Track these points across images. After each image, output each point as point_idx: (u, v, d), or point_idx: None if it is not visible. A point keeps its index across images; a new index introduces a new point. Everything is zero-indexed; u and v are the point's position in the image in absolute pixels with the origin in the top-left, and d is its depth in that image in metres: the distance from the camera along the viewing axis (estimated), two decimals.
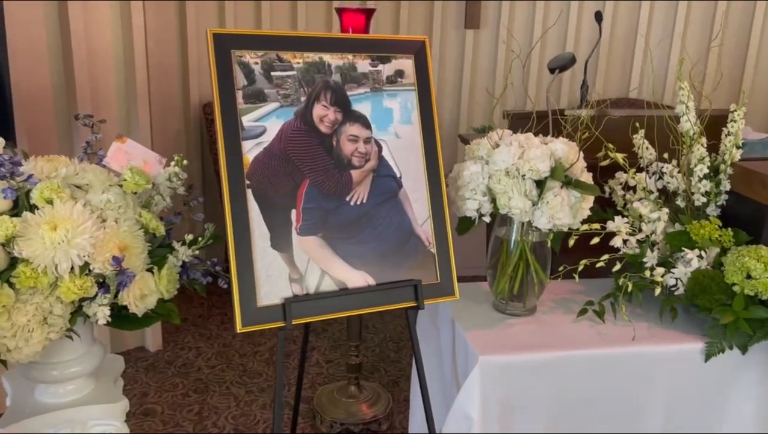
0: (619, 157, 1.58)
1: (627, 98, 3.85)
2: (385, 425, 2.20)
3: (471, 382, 1.34)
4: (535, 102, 2.10)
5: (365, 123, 1.33)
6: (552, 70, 2.03)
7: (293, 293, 1.24)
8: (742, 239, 1.51)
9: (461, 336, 1.45)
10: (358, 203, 1.31)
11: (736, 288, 1.41)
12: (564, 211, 1.40)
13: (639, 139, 1.68)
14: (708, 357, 1.41)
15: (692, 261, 1.48)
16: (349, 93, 1.32)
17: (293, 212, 1.25)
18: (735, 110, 1.60)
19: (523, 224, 1.47)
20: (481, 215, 1.45)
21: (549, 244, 1.48)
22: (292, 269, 1.24)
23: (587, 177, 1.47)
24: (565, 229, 1.45)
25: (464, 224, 1.51)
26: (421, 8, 3.70)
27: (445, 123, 3.86)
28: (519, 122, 2.19)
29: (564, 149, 1.41)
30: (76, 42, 2.20)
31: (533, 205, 1.40)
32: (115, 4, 2.32)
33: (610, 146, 1.56)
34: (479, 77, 3.84)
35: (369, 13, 1.89)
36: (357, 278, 1.29)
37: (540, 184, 1.41)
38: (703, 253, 1.49)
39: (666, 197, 1.68)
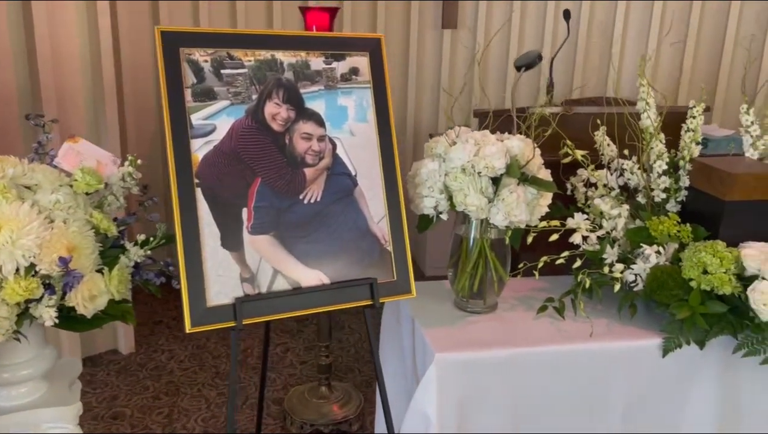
0: (578, 154, 1.58)
1: (606, 97, 3.86)
2: (356, 425, 2.19)
3: (428, 380, 1.33)
4: (514, 100, 2.10)
5: (319, 121, 1.32)
6: (518, 68, 2.03)
7: (244, 292, 1.23)
8: (701, 235, 1.51)
9: (420, 334, 1.44)
10: (312, 201, 1.30)
11: (693, 283, 1.42)
12: (520, 208, 1.40)
13: (600, 136, 1.68)
14: (665, 352, 1.41)
15: (651, 257, 1.48)
16: (302, 91, 1.32)
17: (244, 210, 1.24)
18: (694, 106, 1.61)
19: (481, 221, 1.47)
20: (438, 213, 1.45)
21: (507, 241, 1.48)
22: (243, 268, 1.23)
23: (545, 174, 1.47)
24: (523, 226, 1.45)
25: (424, 222, 1.51)
26: (397, 8, 3.70)
27: (423, 122, 3.86)
28: (483, 119, 2.19)
29: (520, 145, 1.41)
30: (41, 43, 2.18)
31: (489, 202, 1.40)
32: (80, 5, 2.31)
33: (569, 142, 1.56)
34: (457, 77, 3.84)
35: (333, 11, 1.89)
36: (311, 277, 1.28)
37: (496, 181, 1.41)
38: (661, 249, 1.49)
39: (628, 193, 1.68)
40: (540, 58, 1.98)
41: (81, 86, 2.37)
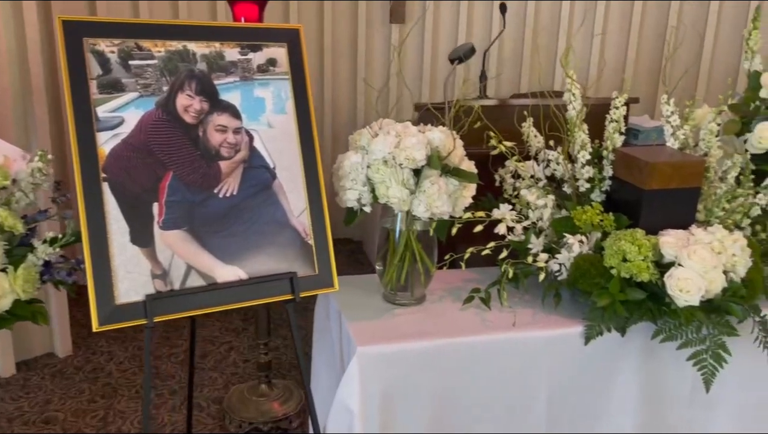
0: (502, 145, 1.59)
1: (554, 90, 3.91)
2: (296, 422, 2.17)
3: (350, 374, 1.32)
4: (447, 93, 2.11)
5: (234, 113, 1.30)
6: (452, 61, 2.04)
7: (156, 289, 1.20)
8: (623, 223, 1.54)
9: (345, 328, 1.43)
10: (228, 195, 1.28)
11: (613, 271, 1.44)
12: (442, 199, 1.39)
13: (527, 127, 1.70)
14: (587, 339, 1.43)
15: (574, 246, 1.50)
16: (216, 82, 1.29)
17: (155, 205, 1.21)
18: (617, 97, 1.63)
19: (407, 213, 1.46)
20: (362, 206, 1.44)
21: (431, 233, 1.47)
22: (154, 264, 1.20)
23: (468, 165, 1.47)
24: (446, 217, 1.45)
25: (351, 215, 1.50)
26: (344, 4, 3.67)
27: (373, 117, 3.84)
28: (427, 113, 2.19)
29: (441, 137, 1.41)
30: None
31: (411, 194, 1.39)
32: (5, 3, 2.23)
33: (493, 134, 1.56)
34: (407, 72, 3.83)
35: (262, 3, 1.86)
36: (227, 272, 1.26)
37: (418, 173, 1.41)
38: (584, 238, 1.51)
39: (556, 184, 1.70)
40: (473, 50, 1.98)
41: (9, 84, 2.29)
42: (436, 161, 1.38)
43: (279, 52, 1.36)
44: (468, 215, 1.50)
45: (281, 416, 2.15)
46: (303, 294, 1.33)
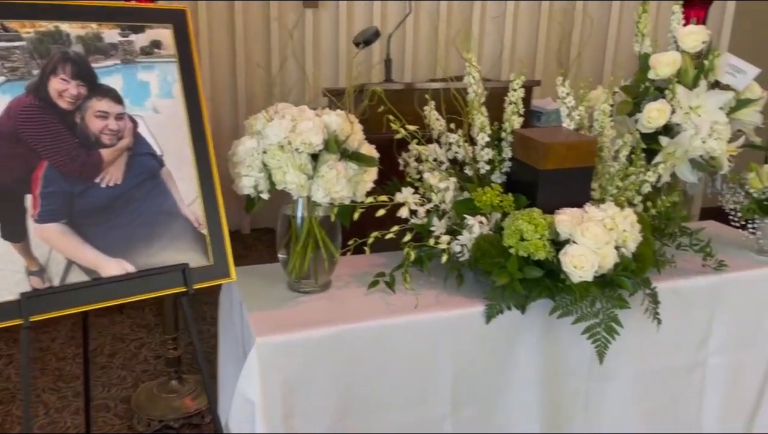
0: (402, 130, 1.58)
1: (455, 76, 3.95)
2: (209, 418, 2.12)
3: (249, 365, 1.29)
4: (351, 77, 2.08)
5: (116, 98, 1.23)
6: (357, 44, 2.02)
7: (32, 286, 1.12)
8: (522, 203, 1.57)
9: (245, 318, 1.39)
10: (111, 184, 1.21)
11: (512, 250, 1.46)
12: (341, 184, 1.38)
13: (428, 111, 1.70)
14: (489, 318, 1.46)
15: (474, 227, 1.52)
16: (94, 65, 1.22)
17: (28, 197, 1.14)
18: (514, 80, 1.66)
19: (307, 199, 1.44)
20: (259, 192, 1.40)
21: (333, 218, 1.45)
22: (29, 260, 1.13)
23: (368, 149, 1.46)
24: (348, 202, 1.43)
25: (251, 203, 1.46)
26: None
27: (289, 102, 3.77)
28: (338, 98, 2.16)
29: (338, 121, 1.38)
30: None
31: (309, 179, 1.37)
32: None
33: (392, 117, 1.56)
34: (322, 56, 3.78)
35: None
36: (112, 266, 1.20)
37: (317, 158, 1.38)
38: (484, 219, 1.53)
39: (460, 167, 1.71)
40: (377, 34, 1.97)
41: None
42: (334, 145, 1.36)
43: (164, 34, 1.30)
44: (370, 199, 1.49)
45: (193, 412, 2.09)
46: (197, 286, 1.28)
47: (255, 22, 3.63)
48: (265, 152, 1.36)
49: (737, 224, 1.84)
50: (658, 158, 1.73)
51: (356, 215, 1.47)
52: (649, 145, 1.75)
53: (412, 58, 3.84)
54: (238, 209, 3.27)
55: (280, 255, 1.52)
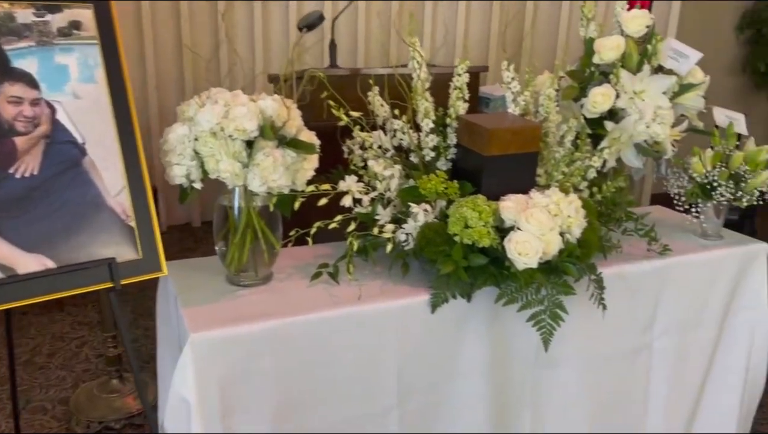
0: (344, 116, 1.53)
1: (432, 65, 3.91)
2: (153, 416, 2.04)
3: (183, 363, 1.24)
4: (294, 62, 2.01)
5: (31, 82, 1.15)
6: (300, 29, 1.96)
7: None
8: (467, 190, 1.54)
9: (180, 314, 1.33)
10: (27, 175, 1.13)
11: (457, 238, 1.44)
12: (279, 172, 1.32)
13: (372, 96, 1.65)
14: (434, 307, 1.43)
15: (418, 215, 1.48)
16: (6, 48, 1.13)
17: None
18: (459, 64, 1.63)
19: (245, 189, 1.38)
20: (191, 182, 1.34)
21: (271, 208, 1.40)
22: None
23: (308, 136, 1.41)
24: (286, 191, 1.38)
25: (184, 193, 1.39)
26: None
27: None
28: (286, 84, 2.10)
29: (274, 106, 1.33)
30: None
31: (245, 167, 1.31)
32: None
33: (332, 103, 1.51)
34: (272, 46, 3.69)
35: None
36: (30, 262, 1.12)
37: (251, 144, 1.32)
38: (429, 207, 1.50)
39: (406, 154, 1.68)
40: (321, 18, 1.91)
41: None
42: (269, 132, 1.30)
43: (84, 14, 1.22)
44: (311, 188, 1.44)
45: (136, 411, 2.02)
46: (125, 281, 1.22)
47: (203, 12, 3.51)
48: (196, 139, 1.30)
49: (681, 209, 1.86)
50: (603, 144, 1.72)
51: (298, 205, 1.42)
52: (595, 130, 1.75)
53: (365, 45, 3.78)
54: (188, 201, 3.18)
55: (217, 247, 1.46)
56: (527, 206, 1.45)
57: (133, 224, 1.24)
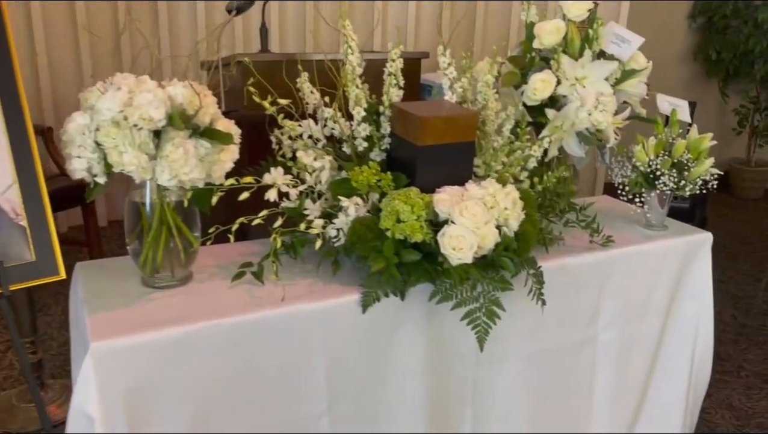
0: (267, 105, 1.43)
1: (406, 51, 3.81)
2: None
3: (85, 375, 1.13)
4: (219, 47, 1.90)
5: None
6: (230, 12, 1.84)
7: None
8: (402, 182, 1.46)
9: (84, 321, 1.22)
10: None
11: (389, 233, 1.36)
12: (190, 164, 1.22)
13: (302, 82, 1.55)
14: (364, 307, 1.34)
15: (349, 209, 1.40)
16: None
17: None
18: (392, 49, 1.54)
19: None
20: (93, 176, 1.22)
21: (185, 204, 1.30)
22: None
23: (226, 125, 1.31)
24: (201, 185, 1.28)
25: (89, 188, 1.27)
26: None
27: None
28: (214, 70, 1.98)
29: (185, 93, 1.22)
30: None
31: (153, 160, 1.20)
32: None
33: (252, 89, 1.41)
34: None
35: None
36: None
37: (160, 135, 1.22)
38: (360, 201, 1.41)
39: (339, 144, 1.59)
40: (251, 1, 1.80)
41: None
42: (179, 121, 1.20)
43: None
44: (231, 181, 1.34)
45: (60, 420, 1.89)
46: (16, 286, 1.10)
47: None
48: (98, 130, 1.18)
49: (625, 199, 1.82)
50: (545, 132, 1.67)
51: (215, 200, 1.32)
52: (536, 118, 1.69)
53: (313, 32, 3.66)
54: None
55: (130, 248, 1.34)
56: (462, 198, 1.38)
57: (24, 223, 1.12)
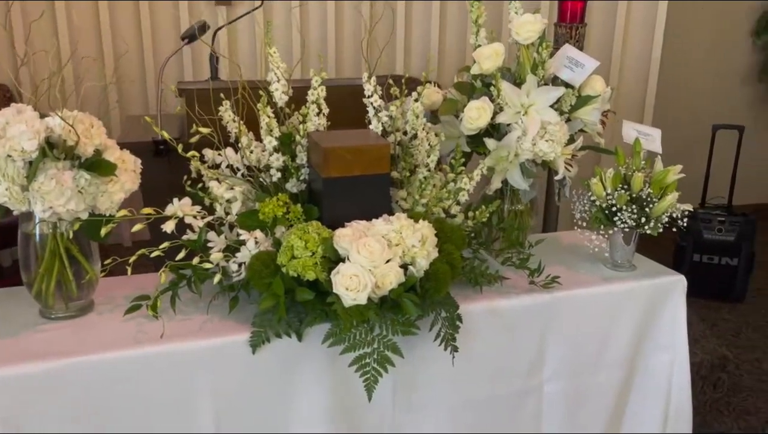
0: (166, 134, 1.40)
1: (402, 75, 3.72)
2: None
3: None
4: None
5: None
6: (183, 39, 1.84)
7: None
8: (313, 215, 1.39)
9: None
10: None
11: (284, 269, 1.29)
12: (66, 196, 1.20)
13: (224, 110, 1.51)
14: (254, 348, 1.27)
15: (249, 243, 1.34)
16: None
17: None
18: (314, 77, 1.48)
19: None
20: None
21: (69, 235, 1.27)
22: None
23: (116, 155, 1.28)
24: (84, 216, 1.26)
25: None
26: None
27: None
28: (187, 95, 1.99)
29: (62, 124, 1.21)
30: None
31: (25, 190, 1.19)
32: None
33: (149, 119, 1.38)
34: (239, 53, 3.59)
35: None
36: None
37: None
38: (259, 234, 1.35)
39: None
40: (204, 28, 1.80)
41: None
42: (49, 153, 1.18)
43: None
44: (124, 212, 1.31)
45: None
46: None
47: (166, 19, 3.43)
48: None
49: (583, 235, 1.67)
50: (487, 163, 1.55)
51: (103, 231, 1.28)
52: (475, 149, 1.58)
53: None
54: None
55: (25, 279, 1.33)
56: (365, 234, 1.29)
57: None
